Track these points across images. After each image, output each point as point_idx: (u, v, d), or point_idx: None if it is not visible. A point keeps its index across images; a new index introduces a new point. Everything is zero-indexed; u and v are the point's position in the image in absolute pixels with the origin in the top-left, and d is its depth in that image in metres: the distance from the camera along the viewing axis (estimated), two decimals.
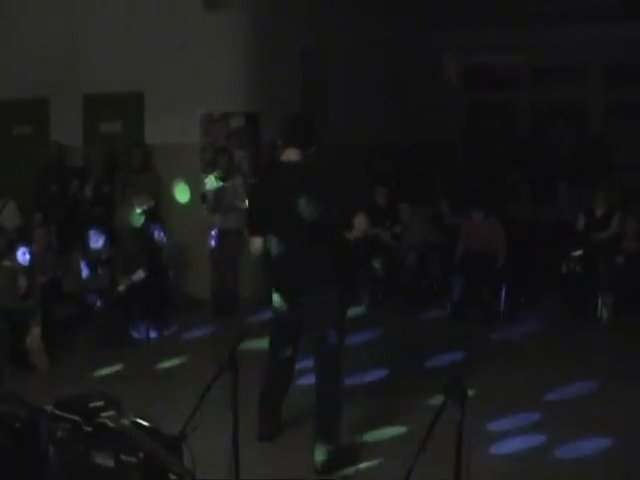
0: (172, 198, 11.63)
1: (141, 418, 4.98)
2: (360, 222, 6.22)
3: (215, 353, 9.31)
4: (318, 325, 6.21)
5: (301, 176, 6.23)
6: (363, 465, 6.20)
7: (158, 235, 10.69)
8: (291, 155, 6.31)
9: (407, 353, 9.29)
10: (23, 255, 8.95)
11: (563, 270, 11.07)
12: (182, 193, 11.63)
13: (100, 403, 4.94)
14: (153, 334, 10.04)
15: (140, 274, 9.93)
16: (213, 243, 11.09)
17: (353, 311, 8.50)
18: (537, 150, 15.01)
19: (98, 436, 4.78)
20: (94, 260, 9.95)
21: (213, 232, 11.08)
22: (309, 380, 6.58)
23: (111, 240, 10.22)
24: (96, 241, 9.93)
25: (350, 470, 6.12)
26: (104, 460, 4.71)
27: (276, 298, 6.42)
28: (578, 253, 10.97)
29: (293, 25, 12.09)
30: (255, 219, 6.52)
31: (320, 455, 6.11)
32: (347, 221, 6.19)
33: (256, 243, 6.45)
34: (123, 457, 4.63)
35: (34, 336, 8.84)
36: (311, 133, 6.40)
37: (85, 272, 9.94)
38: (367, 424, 6.95)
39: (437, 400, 4.26)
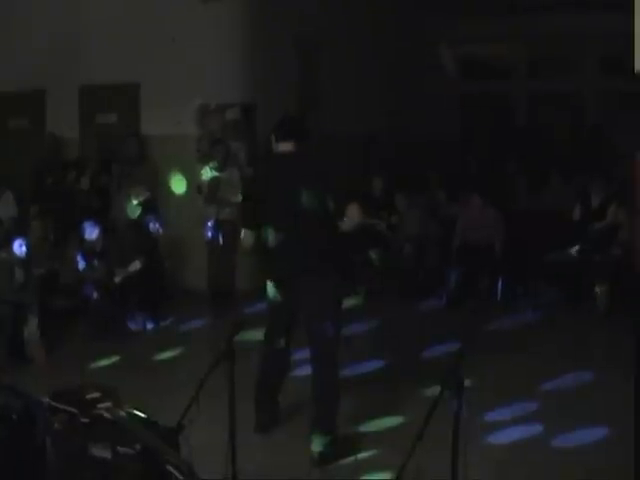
0: (168, 189, 11.63)
1: (138, 409, 4.98)
2: (352, 211, 6.22)
3: (212, 344, 9.33)
4: (315, 315, 6.21)
5: (296, 166, 6.28)
6: (361, 455, 6.21)
7: (153, 226, 10.69)
8: (285, 147, 6.36)
9: (404, 343, 9.29)
10: (20, 247, 8.93)
11: (560, 260, 11.08)
12: (178, 184, 11.63)
13: (97, 394, 4.95)
14: (150, 325, 10.05)
15: (136, 265, 9.92)
16: (209, 234, 11.08)
17: (350, 301, 8.51)
18: (533, 140, 15.01)
19: (95, 427, 4.79)
20: (89, 252, 9.94)
21: (209, 223, 11.06)
22: (306, 370, 6.58)
23: (106, 231, 10.20)
24: (91, 233, 9.91)
25: (348, 460, 6.13)
26: (101, 451, 4.71)
27: (270, 288, 6.43)
28: (576, 246, 10.96)
29: (288, 16, 12.07)
30: (250, 212, 6.59)
31: (317, 445, 6.12)
32: (340, 209, 6.20)
33: (248, 236, 6.51)
34: (120, 448, 4.64)
35: (31, 328, 8.84)
36: (302, 130, 6.48)
37: (81, 264, 9.93)
38: (364, 414, 6.95)
39: (434, 390, 4.26)
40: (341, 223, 6.27)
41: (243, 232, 6.62)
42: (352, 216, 6.22)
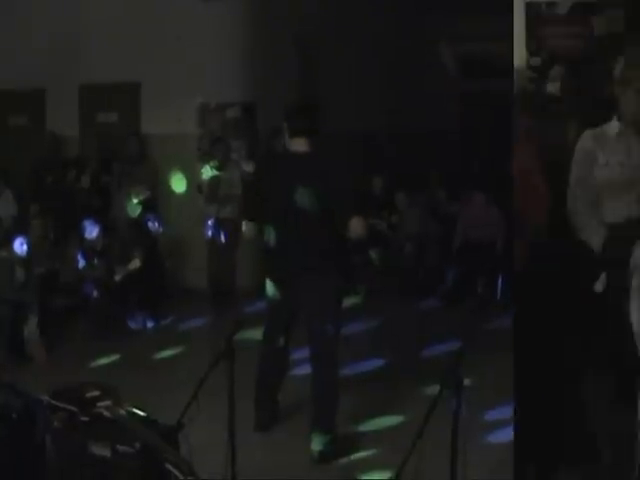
0: (169, 188, 11.64)
1: (138, 408, 4.98)
2: (357, 226, 6.18)
3: (212, 343, 9.33)
4: (315, 314, 6.21)
5: (304, 164, 6.24)
6: (360, 454, 6.21)
7: (153, 225, 10.69)
8: (299, 145, 6.32)
9: (404, 342, 9.29)
10: (21, 246, 8.94)
11: None
12: (179, 183, 11.64)
13: (97, 393, 4.95)
14: (150, 324, 10.05)
15: (136, 263, 9.92)
16: (210, 233, 11.08)
17: (350, 300, 8.51)
18: None
19: (95, 426, 4.79)
20: (89, 250, 9.95)
21: (210, 222, 11.06)
22: (305, 370, 6.58)
23: (107, 230, 10.21)
24: (91, 232, 9.92)
25: (347, 459, 6.13)
26: (101, 450, 4.71)
27: (270, 286, 6.43)
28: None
29: (288, 14, 12.07)
30: (252, 203, 6.60)
31: (317, 445, 6.12)
32: (344, 221, 6.14)
33: (249, 228, 6.52)
34: (120, 447, 4.64)
35: (31, 326, 8.85)
36: (316, 122, 6.42)
37: (81, 262, 9.93)
38: (364, 413, 6.96)
39: (434, 389, 4.26)
40: (348, 234, 6.23)
41: (244, 224, 6.62)
42: (356, 230, 6.18)
